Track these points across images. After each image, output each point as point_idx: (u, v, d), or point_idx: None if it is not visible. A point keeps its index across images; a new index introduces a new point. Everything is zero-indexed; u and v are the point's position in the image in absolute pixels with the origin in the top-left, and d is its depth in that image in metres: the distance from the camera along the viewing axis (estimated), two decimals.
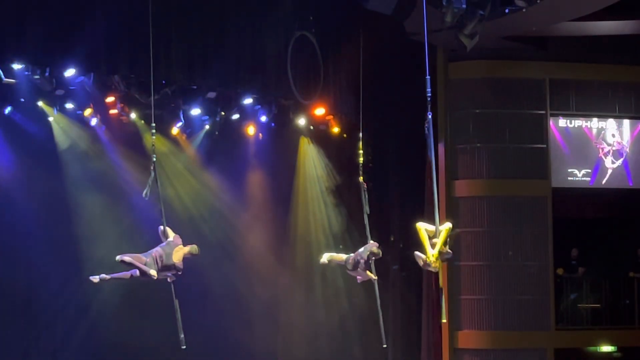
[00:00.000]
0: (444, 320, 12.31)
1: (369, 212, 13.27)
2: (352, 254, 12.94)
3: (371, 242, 13.06)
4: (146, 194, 11.68)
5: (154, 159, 11.79)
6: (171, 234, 11.76)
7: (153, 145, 11.96)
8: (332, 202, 18.09)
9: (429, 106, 10.64)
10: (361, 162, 13.71)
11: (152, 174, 11.71)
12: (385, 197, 17.77)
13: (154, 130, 12.08)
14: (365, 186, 13.39)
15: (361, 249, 12.89)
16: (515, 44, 17.05)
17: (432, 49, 16.92)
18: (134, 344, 16.44)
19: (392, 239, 17.86)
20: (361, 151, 13.78)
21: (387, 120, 17.46)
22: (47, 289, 16.70)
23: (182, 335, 11.89)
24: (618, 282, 18.23)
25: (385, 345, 13.96)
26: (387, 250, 17.75)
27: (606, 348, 17.86)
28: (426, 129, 10.66)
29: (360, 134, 14.12)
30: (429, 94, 10.68)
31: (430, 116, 10.64)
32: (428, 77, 10.84)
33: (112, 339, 16.69)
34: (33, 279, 16.59)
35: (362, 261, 12.79)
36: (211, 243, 17.40)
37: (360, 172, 13.57)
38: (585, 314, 18.10)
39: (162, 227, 11.80)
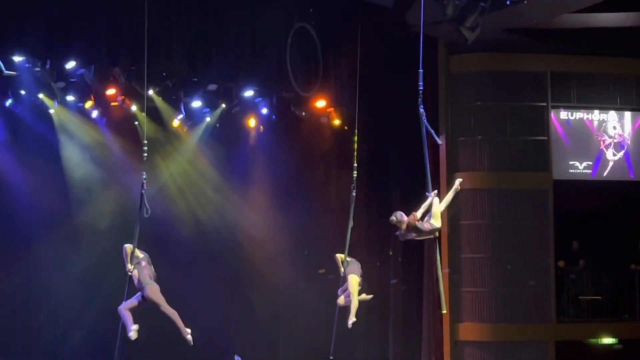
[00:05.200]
0: (444, 312, 12.31)
1: (352, 226, 13.63)
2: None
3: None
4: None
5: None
6: (140, 253, 11.78)
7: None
8: (334, 196, 18.05)
9: (421, 100, 10.76)
10: (355, 165, 13.95)
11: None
12: (386, 195, 17.70)
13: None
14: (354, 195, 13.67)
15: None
16: (516, 37, 17.02)
17: (433, 42, 16.93)
18: (135, 343, 16.42)
19: (391, 252, 17.87)
20: (355, 153, 13.91)
21: (387, 114, 17.42)
22: (48, 287, 16.68)
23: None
24: (619, 275, 18.24)
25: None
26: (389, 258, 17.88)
27: (607, 340, 17.88)
28: (424, 122, 10.77)
29: (355, 138, 14.29)
30: (421, 87, 10.79)
31: (422, 109, 10.74)
32: (421, 70, 10.92)
33: (113, 338, 16.66)
34: (33, 276, 16.57)
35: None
36: (210, 235, 17.41)
37: (354, 184, 13.76)
38: (586, 307, 18.10)
39: (130, 246, 11.72)
